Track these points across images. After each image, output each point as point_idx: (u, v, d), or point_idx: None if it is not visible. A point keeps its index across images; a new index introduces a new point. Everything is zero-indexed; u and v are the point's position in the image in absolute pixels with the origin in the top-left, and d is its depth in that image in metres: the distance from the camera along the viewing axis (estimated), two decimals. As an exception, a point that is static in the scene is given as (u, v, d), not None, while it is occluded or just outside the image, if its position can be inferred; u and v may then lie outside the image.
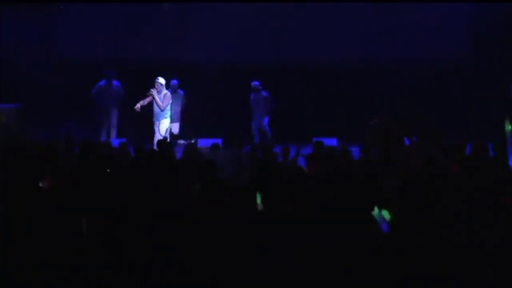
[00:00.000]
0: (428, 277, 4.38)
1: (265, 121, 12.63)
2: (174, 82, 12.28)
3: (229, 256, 4.60)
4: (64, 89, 12.98)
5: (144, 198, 5.46)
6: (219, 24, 13.34)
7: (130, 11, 13.48)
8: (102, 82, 12.48)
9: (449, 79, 13.24)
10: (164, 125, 11.14)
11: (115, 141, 10.97)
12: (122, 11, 13.50)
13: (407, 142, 8.90)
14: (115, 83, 12.50)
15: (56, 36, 13.78)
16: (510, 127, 10.44)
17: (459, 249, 4.51)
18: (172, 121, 11.74)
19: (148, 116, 11.31)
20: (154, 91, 11.00)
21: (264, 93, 12.57)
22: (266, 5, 13.41)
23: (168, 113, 11.19)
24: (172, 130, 11.71)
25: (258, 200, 5.45)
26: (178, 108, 12.21)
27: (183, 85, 12.45)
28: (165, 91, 11.15)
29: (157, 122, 11.16)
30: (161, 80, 11.13)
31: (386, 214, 5.02)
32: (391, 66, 13.21)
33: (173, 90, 12.11)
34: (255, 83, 12.58)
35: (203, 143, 10.51)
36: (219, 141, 9.28)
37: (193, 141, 10.57)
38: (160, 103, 11.01)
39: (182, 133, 12.09)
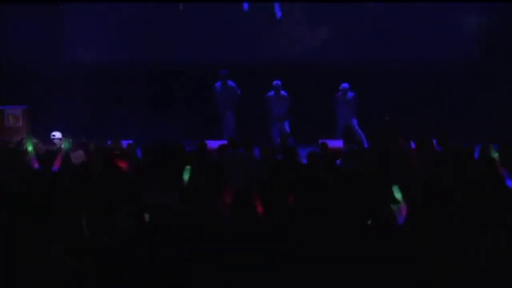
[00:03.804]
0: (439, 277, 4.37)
1: (355, 122, 12.21)
2: (277, 82, 12.06)
3: (232, 259, 4.59)
4: (72, 91, 12.96)
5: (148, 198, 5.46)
6: (215, 24, 13.37)
7: (138, 12, 13.46)
8: (218, 84, 12.31)
9: (456, 79, 13.19)
10: None
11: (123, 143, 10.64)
12: (131, 12, 13.47)
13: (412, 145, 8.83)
14: (230, 83, 12.29)
15: (64, 37, 13.78)
16: None
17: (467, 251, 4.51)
18: (277, 121, 11.77)
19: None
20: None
21: (351, 94, 12.17)
22: (266, 5, 13.39)
23: None
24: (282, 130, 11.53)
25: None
26: (282, 109, 12.03)
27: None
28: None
29: None
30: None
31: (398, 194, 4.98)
32: (398, 66, 13.16)
33: (275, 91, 11.99)
34: (345, 85, 12.13)
35: (212, 145, 10.32)
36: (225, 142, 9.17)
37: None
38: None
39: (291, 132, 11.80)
